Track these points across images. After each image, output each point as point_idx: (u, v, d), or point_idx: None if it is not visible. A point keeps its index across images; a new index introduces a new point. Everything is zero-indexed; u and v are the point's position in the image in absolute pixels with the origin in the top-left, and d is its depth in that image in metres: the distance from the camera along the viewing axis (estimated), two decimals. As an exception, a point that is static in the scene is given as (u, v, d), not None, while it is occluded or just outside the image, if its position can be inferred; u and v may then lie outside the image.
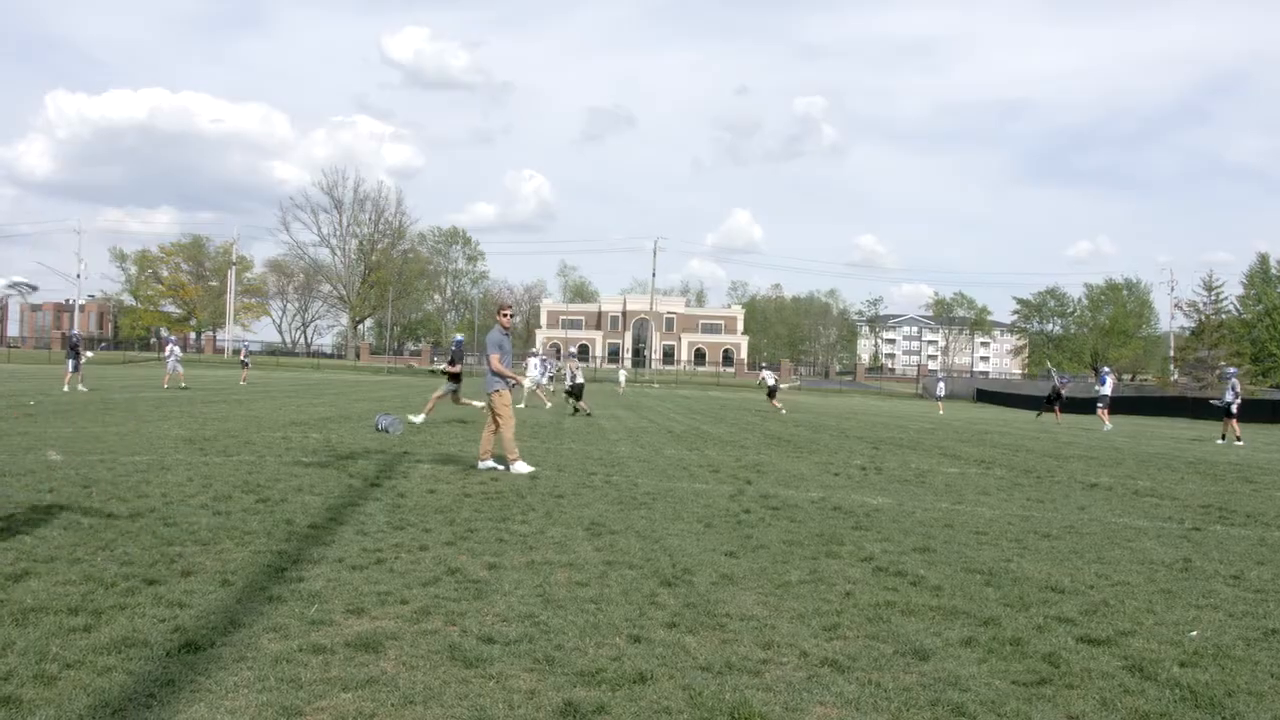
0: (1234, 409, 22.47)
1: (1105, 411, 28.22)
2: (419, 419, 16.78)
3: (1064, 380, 32.93)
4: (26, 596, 4.23)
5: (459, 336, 18.72)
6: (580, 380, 23.04)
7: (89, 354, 26.08)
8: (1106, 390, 28.94)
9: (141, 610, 4.10)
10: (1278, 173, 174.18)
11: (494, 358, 10.15)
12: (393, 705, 3.16)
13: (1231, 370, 25.31)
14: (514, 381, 10.34)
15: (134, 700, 3.09)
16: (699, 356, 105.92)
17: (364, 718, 3.06)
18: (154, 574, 4.74)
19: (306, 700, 3.17)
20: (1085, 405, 38.56)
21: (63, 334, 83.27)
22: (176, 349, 31.12)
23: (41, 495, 7.02)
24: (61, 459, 9.35)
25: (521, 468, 9.85)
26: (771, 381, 30.64)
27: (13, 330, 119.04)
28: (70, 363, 25.97)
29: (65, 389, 24.69)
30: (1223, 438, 22.31)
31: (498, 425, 10.21)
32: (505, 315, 10.49)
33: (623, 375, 52.20)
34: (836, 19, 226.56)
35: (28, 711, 2.97)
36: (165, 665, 3.43)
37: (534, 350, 26.33)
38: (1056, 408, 32.59)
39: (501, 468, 10.04)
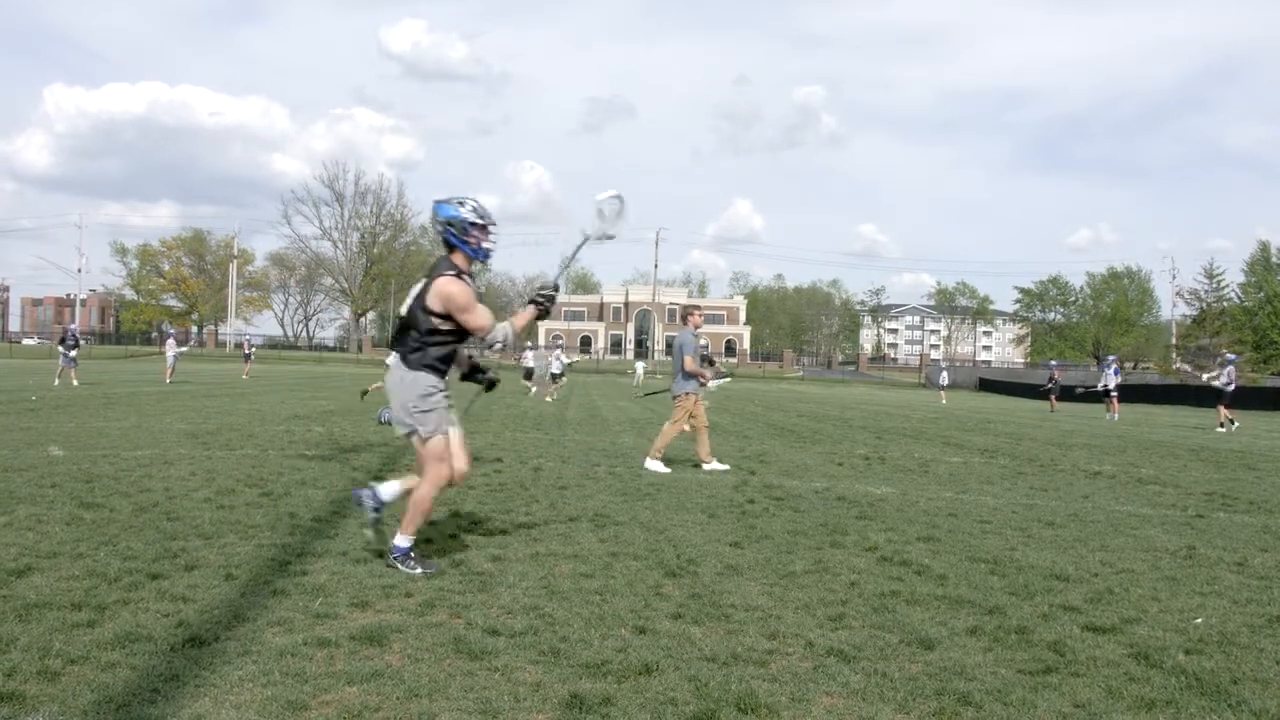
0: (1224, 393, 23.09)
1: (1115, 401, 28.96)
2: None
3: (1054, 376, 35.83)
4: (29, 592, 4.22)
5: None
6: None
7: (72, 352, 26.06)
8: (1117, 380, 29.76)
9: (145, 605, 4.09)
10: (1278, 160, 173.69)
11: (688, 359, 10.27)
12: (398, 698, 3.15)
13: (1231, 357, 25.47)
14: (704, 382, 10.52)
15: (138, 696, 3.08)
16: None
17: (369, 711, 3.05)
18: (157, 569, 4.72)
19: (311, 694, 3.16)
20: (1087, 395, 39.57)
21: (64, 329, 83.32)
22: (172, 342, 31.57)
23: (44, 490, 7.02)
24: (64, 454, 9.35)
25: (657, 466, 9.91)
26: (537, 364, 30.63)
27: (14, 325, 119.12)
28: (64, 357, 25.90)
29: (55, 382, 24.65)
30: (1232, 423, 22.37)
31: (692, 427, 10.33)
32: (697, 315, 10.63)
33: (640, 367, 52.71)
34: (835, 8, 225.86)
35: (31, 707, 2.96)
36: (169, 660, 3.42)
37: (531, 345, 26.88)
38: (1053, 397, 34.57)
39: (725, 467, 10.11)
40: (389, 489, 5.22)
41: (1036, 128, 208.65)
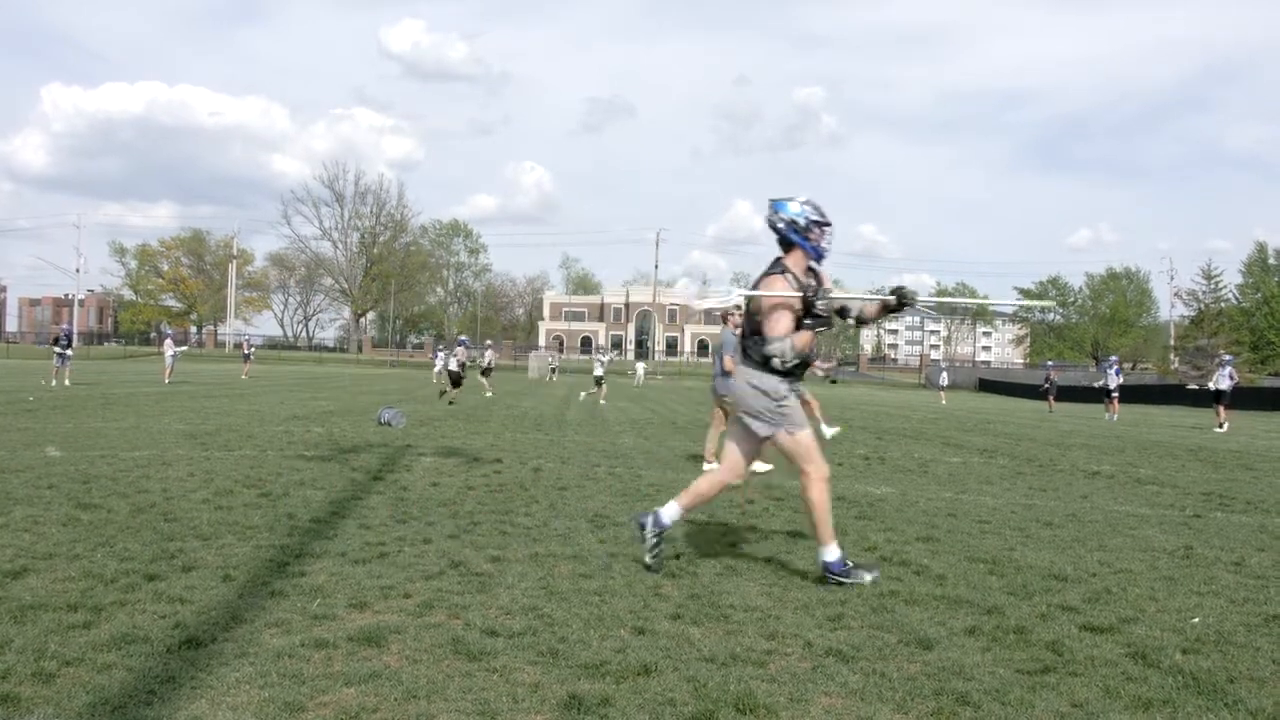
0: (1223, 393, 23.37)
1: (1116, 402, 29.18)
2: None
3: (1050, 376, 37.01)
4: (25, 593, 4.21)
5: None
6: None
7: (68, 351, 26.07)
8: (1118, 380, 30.02)
9: (142, 606, 4.08)
10: (1277, 161, 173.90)
11: (729, 358, 10.42)
12: (396, 700, 3.15)
13: (1228, 358, 25.64)
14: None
15: (134, 697, 3.07)
16: (702, 348, 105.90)
17: (367, 712, 3.04)
18: (154, 570, 4.72)
19: (309, 695, 3.15)
20: (1087, 394, 39.98)
21: (59, 329, 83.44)
22: (170, 342, 31.88)
23: (41, 491, 7.01)
24: (61, 454, 9.34)
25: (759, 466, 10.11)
26: (485, 360, 29.63)
27: (11, 326, 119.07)
28: (58, 357, 25.81)
29: (53, 383, 24.63)
30: (1220, 425, 22.43)
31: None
32: (737, 315, 10.78)
33: (640, 368, 52.67)
34: (835, 8, 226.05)
35: (26, 709, 2.95)
36: (166, 662, 3.41)
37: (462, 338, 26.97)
38: (1050, 397, 35.35)
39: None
40: (670, 512, 5.09)
41: (1036, 128, 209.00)
